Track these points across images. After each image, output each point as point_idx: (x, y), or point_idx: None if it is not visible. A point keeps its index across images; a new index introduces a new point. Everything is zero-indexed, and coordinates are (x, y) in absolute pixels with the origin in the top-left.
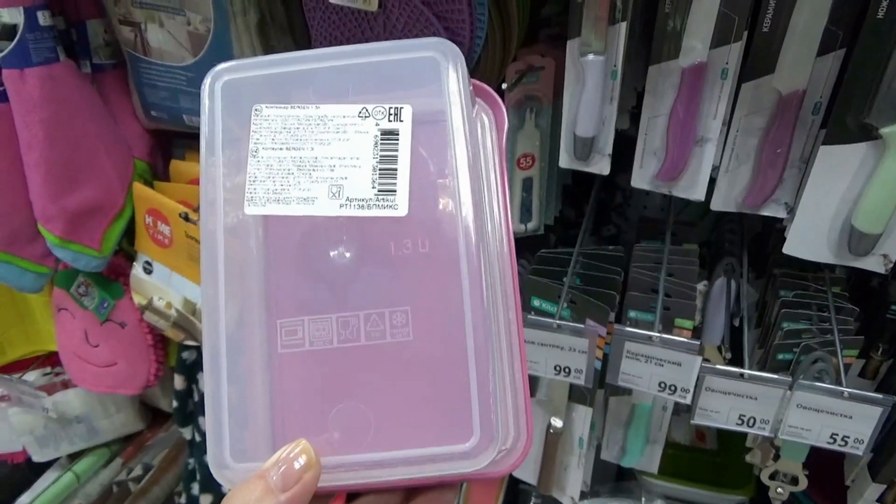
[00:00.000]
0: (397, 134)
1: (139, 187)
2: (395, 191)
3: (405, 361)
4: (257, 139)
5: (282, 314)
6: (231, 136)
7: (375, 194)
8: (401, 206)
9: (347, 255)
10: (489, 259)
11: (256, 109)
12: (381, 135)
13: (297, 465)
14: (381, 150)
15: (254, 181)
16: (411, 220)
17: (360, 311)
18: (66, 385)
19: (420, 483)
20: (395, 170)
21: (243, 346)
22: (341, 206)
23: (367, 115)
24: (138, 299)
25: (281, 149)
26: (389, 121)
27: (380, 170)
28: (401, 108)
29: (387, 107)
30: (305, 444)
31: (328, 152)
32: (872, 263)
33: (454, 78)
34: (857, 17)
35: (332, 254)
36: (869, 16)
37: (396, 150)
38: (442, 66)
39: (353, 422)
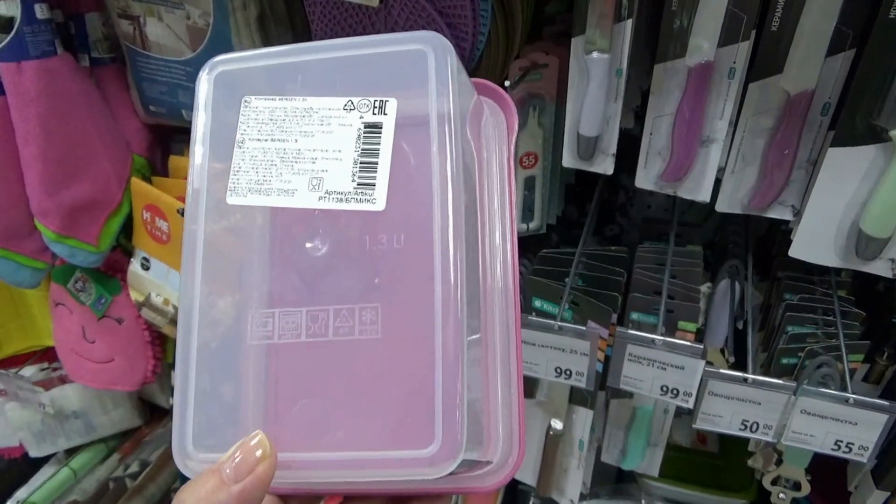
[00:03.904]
0: (380, 127)
1: (137, 183)
2: (374, 185)
3: (372, 360)
4: (244, 130)
5: (254, 305)
6: (221, 126)
7: (354, 188)
8: (379, 200)
9: (322, 248)
10: (472, 260)
11: (245, 101)
12: (365, 128)
13: (251, 457)
14: (364, 144)
15: (237, 171)
16: (388, 216)
17: (329, 305)
18: (63, 380)
19: (401, 492)
20: (376, 164)
21: (214, 335)
22: (320, 198)
23: (352, 107)
24: (136, 295)
25: (266, 140)
26: (374, 114)
27: (360, 163)
28: (385, 101)
29: (372, 100)
30: (262, 437)
31: (311, 144)
32: (880, 268)
33: (441, 72)
34: (868, 16)
35: (307, 246)
36: (880, 16)
37: (379, 144)
38: (429, 60)
39: (315, 418)
